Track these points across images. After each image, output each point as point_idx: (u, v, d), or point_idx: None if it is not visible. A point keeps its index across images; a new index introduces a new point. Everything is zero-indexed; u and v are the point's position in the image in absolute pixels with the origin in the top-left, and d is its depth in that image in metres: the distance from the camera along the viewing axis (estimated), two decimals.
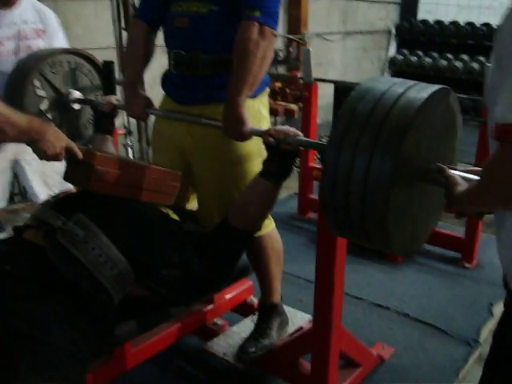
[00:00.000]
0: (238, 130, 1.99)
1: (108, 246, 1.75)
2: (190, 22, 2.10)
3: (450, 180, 1.38)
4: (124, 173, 1.95)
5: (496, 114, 1.06)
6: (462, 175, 1.42)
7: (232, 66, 1.99)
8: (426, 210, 1.66)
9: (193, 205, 2.46)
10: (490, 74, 1.20)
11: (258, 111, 2.19)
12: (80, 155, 1.87)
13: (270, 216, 2.33)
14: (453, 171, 1.44)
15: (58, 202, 1.96)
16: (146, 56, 2.32)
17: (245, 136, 2.01)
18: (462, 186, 1.33)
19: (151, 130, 2.52)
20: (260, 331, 2.44)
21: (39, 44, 2.87)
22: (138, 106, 2.29)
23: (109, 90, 2.66)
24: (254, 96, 2.13)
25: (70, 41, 4.65)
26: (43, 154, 1.79)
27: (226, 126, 2.01)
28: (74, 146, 1.86)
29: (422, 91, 1.45)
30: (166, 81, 2.31)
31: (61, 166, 2.96)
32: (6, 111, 1.67)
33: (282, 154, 1.87)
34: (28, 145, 1.78)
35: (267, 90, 2.29)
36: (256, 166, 2.10)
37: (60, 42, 3.00)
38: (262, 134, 1.92)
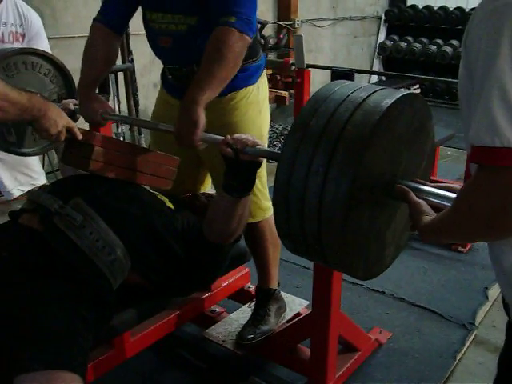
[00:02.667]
0: (189, 132, 1.85)
1: (106, 231, 1.73)
2: (173, 42, 2.07)
3: (414, 208, 1.26)
4: (123, 154, 1.95)
5: (472, 134, 0.93)
6: (433, 191, 1.31)
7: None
8: (395, 227, 1.52)
9: (208, 188, 2.47)
10: (461, 80, 1.05)
11: (256, 95, 2.19)
12: (80, 135, 1.85)
13: (266, 204, 2.33)
14: (423, 187, 1.34)
15: (55, 186, 1.94)
16: (106, 61, 2.21)
17: (195, 139, 1.85)
18: (428, 215, 1.20)
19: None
20: (258, 317, 2.45)
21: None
22: (94, 110, 2.13)
23: (69, 91, 2.51)
24: (253, 82, 2.13)
25: (59, 29, 4.66)
26: (45, 133, 1.75)
27: (179, 126, 1.89)
28: (74, 125, 1.84)
29: (382, 101, 1.31)
30: (165, 79, 2.29)
31: (32, 160, 2.95)
32: (4, 89, 1.60)
33: (241, 166, 1.72)
34: (29, 124, 1.74)
35: (264, 71, 2.28)
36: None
37: (40, 47, 2.85)
38: (217, 143, 1.76)
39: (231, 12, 1.87)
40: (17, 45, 2.79)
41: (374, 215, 1.40)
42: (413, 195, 1.31)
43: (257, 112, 2.22)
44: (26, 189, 2.97)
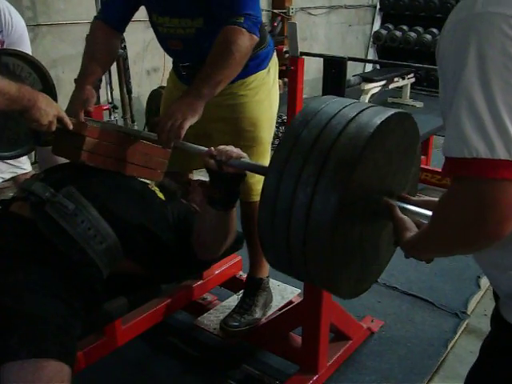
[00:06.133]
0: (181, 117, 1.81)
1: (97, 220, 1.72)
2: (183, 45, 2.10)
3: (398, 224, 1.26)
4: (114, 145, 1.94)
5: (443, 146, 0.93)
6: (417, 210, 1.30)
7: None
8: (378, 246, 1.50)
9: None
10: (440, 92, 1.02)
11: (268, 80, 2.24)
12: (71, 125, 1.83)
13: None
14: (408, 206, 1.33)
15: (47, 174, 1.92)
16: (107, 58, 2.21)
17: (179, 131, 1.80)
18: (411, 232, 1.21)
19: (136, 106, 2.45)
20: (245, 306, 2.44)
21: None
22: (76, 111, 2.00)
23: (49, 94, 2.43)
24: (264, 67, 2.20)
25: (51, 16, 4.61)
26: (36, 123, 1.72)
27: (175, 107, 1.85)
28: (64, 115, 1.81)
29: (375, 116, 1.30)
30: (176, 69, 2.30)
31: None
32: None
33: (225, 178, 1.69)
34: (20, 114, 1.72)
35: (274, 55, 2.31)
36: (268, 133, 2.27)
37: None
38: (201, 154, 1.72)
39: (241, 13, 1.90)
40: None
41: (361, 230, 1.37)
42: (398, 211, 1.31)
43: (266, 93, 2.25)
44: (7, 176, 2.91)
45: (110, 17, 2.17)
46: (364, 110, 1.34)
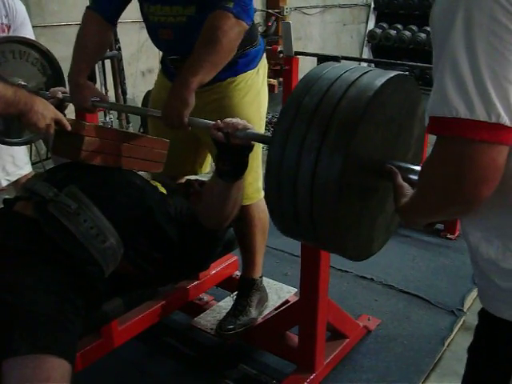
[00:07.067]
0: (176, 112, 1.85)
1: (100, 219, 1.74)
2: (173, 34, 2.07)
3: (396, 191, 1.28)
4: (113, 142, 1.95)
5: (428, 106, 0.96)
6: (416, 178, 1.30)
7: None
8: (386, 211, 1.52)
9: (207, 170, 2.50)
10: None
11: (257, 80, 2.21)
12: (69, 127, 1.84)
13: (259, 186, 2.33)
14: (411, 166, 1.35)
15: (50, 174, 1.93)
16: (99, 50, 2.23)
17: (182, 122, 1.86)
18: (406, 198, 1.22)
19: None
20: (239, 308, 2.43)
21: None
22: (84, 97, 2.13)
23: (57, 80, 2.46)
24: (253, 67, 2.17)
25: (45, 17, 4.61)
26: (34, 127, 1.73)
27: (168, 106, 1.88)
28: (62, 117, 1.82)
29: (375, 79, 1.32)
30: (165, 66, 2.29)
31: (18, 150, 2.93)
32: None
33: (232, 150, 1.72)
34: (17, 118, 1.72)
35: (264, 56, 2.29)
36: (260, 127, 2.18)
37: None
38: (208, 127, 1.76)
39: None
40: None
41: (366, 196, 1.40)
42: (399, 178, 1.32)
43: (255, 94, 2.23)
44: (13, 179, 2.96)
45: (102, 7, 2.15)
46: (365, 73, 1.35)
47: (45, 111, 1.74)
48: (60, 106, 2.14)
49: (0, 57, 2.29)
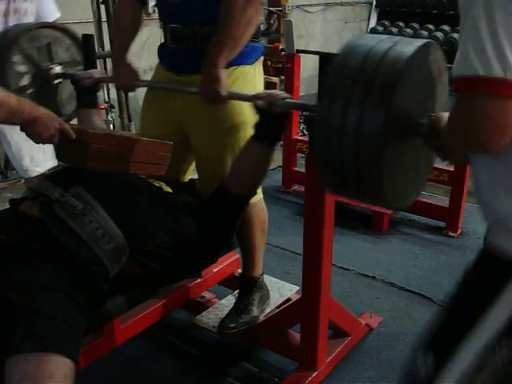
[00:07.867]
0: (212, 90, 1.96)
1: (105, 220, 1.75)
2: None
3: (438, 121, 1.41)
4: (117, 148, 1.97)
5: (452, 68, 1.08)
6: None
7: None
8: (416, 166, 1.66)
9: (188, 177, 2.50)
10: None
11: (253, 77, 2.22)
12: (73, 135, 1.86)
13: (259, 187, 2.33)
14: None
15: (56, 175, 1.95)
16: (134, 29, 2.30)
17: (219, 97, 1.97)
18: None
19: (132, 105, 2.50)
20: (241, 306, 2.43)
21: (28, 7, 2.83)
22: (126, 77, 2.25)
23: (89, 63, 2.59)
24: (250, 62, 2.18)
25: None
26: (38, 137, 1.76)
27: (202, 85, 1.98)
28: (66, 126, 1.84)
29: (410, 45, 1.46)
30: (162, 52, 2.32)
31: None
32: None
33: (272, 117, 1.87)
34: (21, 129, 1.74)
35: (261, 58, 2.30)
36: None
37: (49, 5, 2.96)
38: (250, 98, 1.91)
39: None
40: (27, 4, 2.84)
41: (402, 149, 1.52)
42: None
43: (251, 88, 2.20)
44: (41, 170, 3.00)
45: None
46: (399, 41, 1.49)
47: (49, 121, 1.76)
48: (94, 87, 2.30)
49: (36, 41, 2.42)
